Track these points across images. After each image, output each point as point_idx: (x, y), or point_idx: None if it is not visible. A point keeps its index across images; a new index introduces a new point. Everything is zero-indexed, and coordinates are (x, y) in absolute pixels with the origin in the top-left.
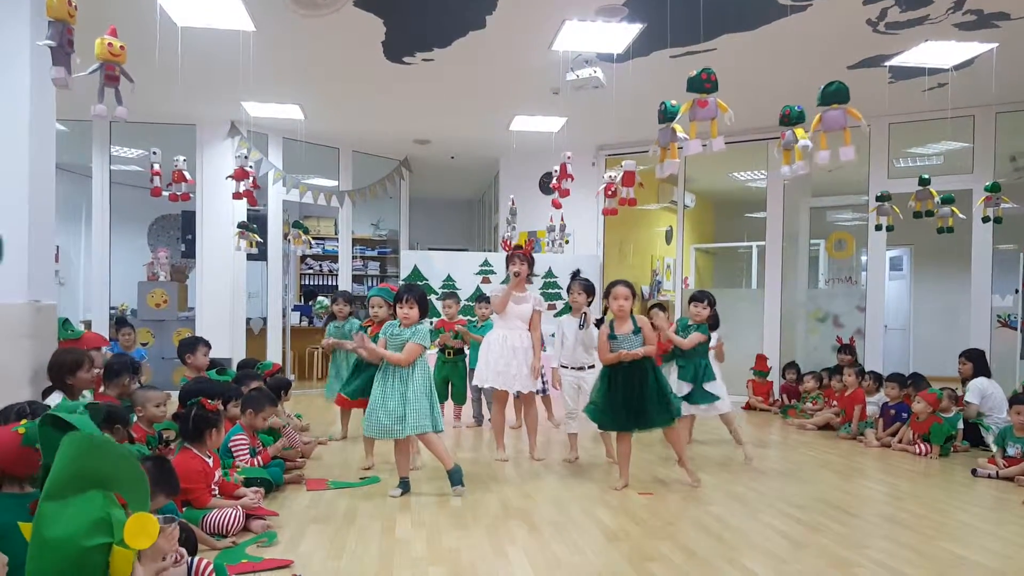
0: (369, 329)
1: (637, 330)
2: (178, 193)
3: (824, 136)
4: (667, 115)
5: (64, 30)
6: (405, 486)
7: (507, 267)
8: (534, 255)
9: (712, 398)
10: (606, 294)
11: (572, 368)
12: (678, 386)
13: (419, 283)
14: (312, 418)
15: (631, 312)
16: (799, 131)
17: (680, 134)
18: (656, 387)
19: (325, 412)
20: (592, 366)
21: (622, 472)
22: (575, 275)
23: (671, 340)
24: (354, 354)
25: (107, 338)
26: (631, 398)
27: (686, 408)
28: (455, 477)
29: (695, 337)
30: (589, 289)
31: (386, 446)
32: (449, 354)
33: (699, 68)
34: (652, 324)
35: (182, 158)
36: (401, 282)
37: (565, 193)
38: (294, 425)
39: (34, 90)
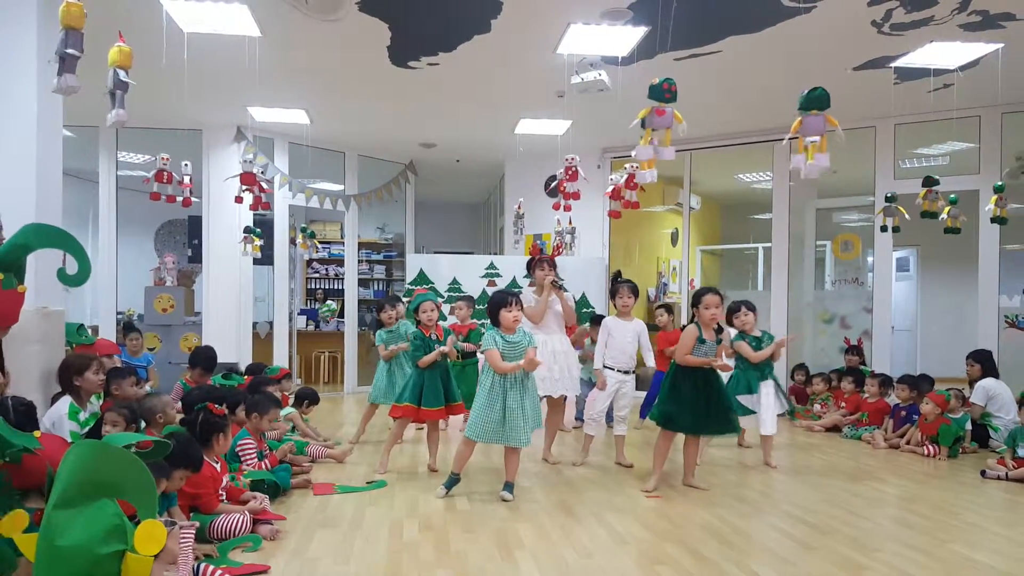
0: (434, 335)
1: (720, 339)
2: (177, 196)
3: (801, 141)
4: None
5: (81, 38)
6: (454, 482)
7: (534, 272)
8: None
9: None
10: (695, 302)
11: (618, 371)
12: (781, 402)
13: (426, 286)
14: (319, 421)
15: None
16: (831, 119)
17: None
18: (722, 394)
19: (333, 415)
20: (635, 371)
21: (656, 471)
22: (618, 277)
23: (749, 356)
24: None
25: (116, 344)
26: (710, 402)
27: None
28: (512, 487)
29: (771, 345)
30: (636, 292)
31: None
32: (459, 358)
33: (662, 78)
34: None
35: (185, 163)
36: (408, 286)
37: (576, 196)
38: (314, 435)
39: (41, 96)
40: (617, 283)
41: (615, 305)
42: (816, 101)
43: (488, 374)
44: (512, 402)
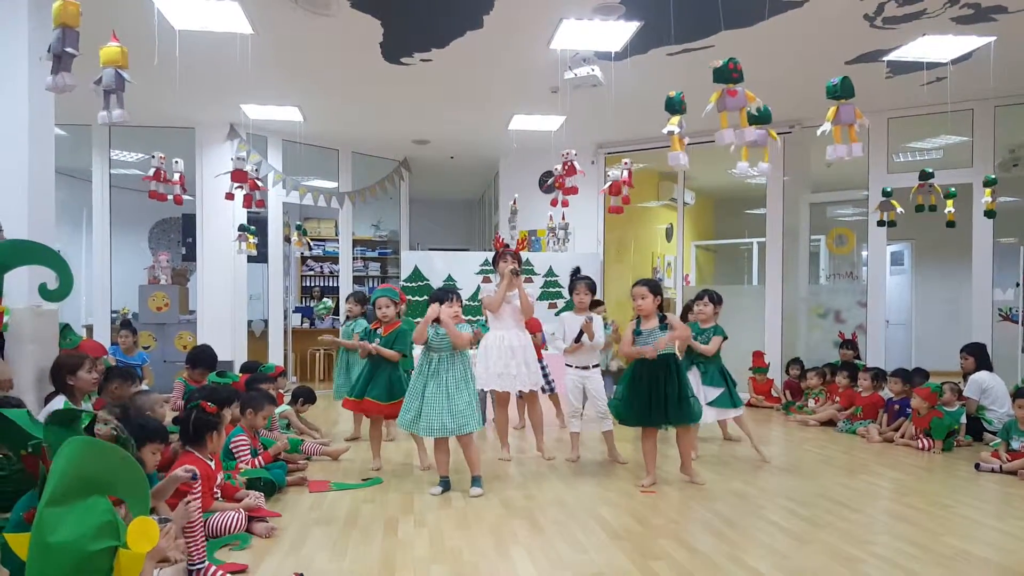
0: (380, 330)
1: (663, 327)
2: (169, 195)
3: (838, 130)
4: (672, 106)
5: (77, 36)
6: (447, 485)
7: (497, 265)
8: (529, 253)
9: (739, 401)
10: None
11: (576, 367)
12: (704, 392)
13: (420, 283)
14: (314, 418)
15: (660, 308)
16: (772, 133)
17: (671, 127)
18: (681, 384)
19: (328, 412)
20: (596, 365)
21: (649, 470)
22: (576, 273)
23: (694, 348)
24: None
25: (107, 345)
26: (656, 393)
27: (719, 413)
28: (478, 480)
29: (716, 341)
30: (593, 288)
31: (398, 446)
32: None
33: (725, 59)
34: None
35: (176, 160)
36: (402, 283)
37: (573, 191)
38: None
39: (32, 95)
40: (575, 279)
41: (573, 301)
42: (847, 91)
43: (417, 368)
44: (431, 392)
